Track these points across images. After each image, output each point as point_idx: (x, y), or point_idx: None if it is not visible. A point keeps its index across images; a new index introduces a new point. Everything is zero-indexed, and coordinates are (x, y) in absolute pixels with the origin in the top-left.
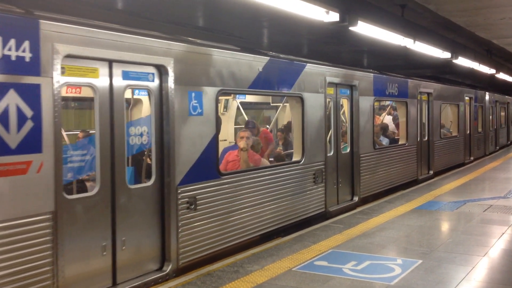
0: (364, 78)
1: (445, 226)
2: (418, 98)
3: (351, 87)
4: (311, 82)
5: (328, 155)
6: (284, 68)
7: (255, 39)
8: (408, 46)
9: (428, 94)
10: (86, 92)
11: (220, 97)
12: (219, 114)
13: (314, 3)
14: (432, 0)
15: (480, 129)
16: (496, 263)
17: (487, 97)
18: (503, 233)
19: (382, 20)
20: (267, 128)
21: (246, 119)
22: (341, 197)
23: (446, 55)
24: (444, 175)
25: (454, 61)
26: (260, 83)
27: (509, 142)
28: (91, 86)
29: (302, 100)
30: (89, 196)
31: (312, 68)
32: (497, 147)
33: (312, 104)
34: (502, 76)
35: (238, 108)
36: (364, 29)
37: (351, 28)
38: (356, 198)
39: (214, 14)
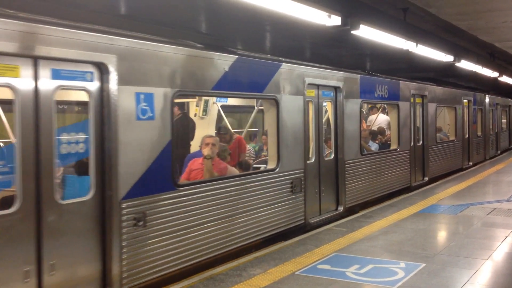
0: (350, 79)
1: (448, 230)
2: (412, 100)
3: (335, 89)
4: (288, 83)
5: (308, 162)
6: (255, 68)
7: (258, 43)
8: (410, 50)
9: (422, 96)
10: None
11: (188, 100)
12: (198, 117)
13: (316, 7)
14: (433, 4)
15: (479, 133)
16: (500, 266)
17: (487, 100)
18: (507, 236)
19: (384, 23)
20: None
21: (227, 124)
22: (324, 207)
23: (449, 58)
24: (440, 182)
25: (457, 64)
26: (226, 84)
27: (511, 146)
28: (9, 87)
29: (276, 102)
30: (7, 214)
31: (288, 68)
32: (498, 151)
33: (288, 107)
34: (505, 79)
35: (219, 111)
36: (366, 32)
37: (353, 32)
38: (341, 208)
39: (216, 19)
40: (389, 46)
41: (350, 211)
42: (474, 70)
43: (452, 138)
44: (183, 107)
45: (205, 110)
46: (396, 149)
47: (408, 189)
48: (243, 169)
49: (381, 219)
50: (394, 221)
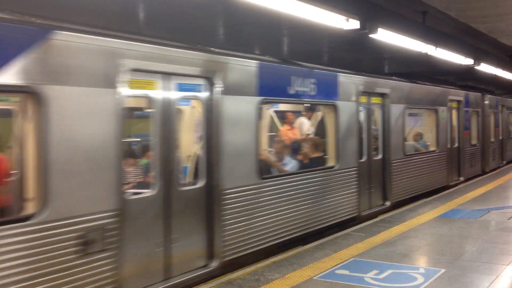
0: (237, 67)
1: (468, 235)
2: (365, 100)
3: (208, 80)
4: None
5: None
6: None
7: (276, 47)
8: (429, 53)
9: (383, 95)
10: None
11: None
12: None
13: (335, 11)
14: (453, 7)
15: (474, 141)
16: None
17: (486, 101)
18: None
19: (402, 27)
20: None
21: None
22: None
23: (469, 61)
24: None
25: (477, 67)
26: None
27: None
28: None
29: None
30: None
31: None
32: (504, 161)
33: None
34: None
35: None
36: (385, 36)
37: (371, 36)
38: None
39: (235, 24)
40: (408, 49)
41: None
42: (494, 73)
43: (432, 148)
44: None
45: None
46: (333, 167)
47: (354, 220)
48: None
49: (400, 224)
50: (414, 226)
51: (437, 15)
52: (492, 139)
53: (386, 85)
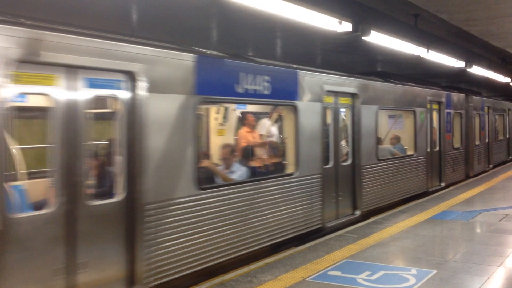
0: (168, 61)
1: (459, 236)
2: (330, 100)
3: (129, 76)
4: None
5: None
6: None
7: (269, 49)
8: (421, 55)
9: (352, 95)
10: None
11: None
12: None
13: (328, 13)
14: (445, 10)
15: (457, 145)
16: None
17: (471, 102)
18: None
19: (395, 29)
20: None
21: None
22: None
23: (460, 64)
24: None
25: (469, 70)
26: None
27: (510, 158)
28: None
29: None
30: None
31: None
32: (490, 165)
33: None
34: None
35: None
36: (377, 38)
37: (364, 38)
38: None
39: (228, 26)
40: (400, 52)
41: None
42: (486, 75)
43: (410, 152)
44: None
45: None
46: (292, 174)
47: (318, 232)
48: None
49: (392, 226)
50: (406, 228)
51: (429, 18)
52: (477, 142)
53: (355, 84)
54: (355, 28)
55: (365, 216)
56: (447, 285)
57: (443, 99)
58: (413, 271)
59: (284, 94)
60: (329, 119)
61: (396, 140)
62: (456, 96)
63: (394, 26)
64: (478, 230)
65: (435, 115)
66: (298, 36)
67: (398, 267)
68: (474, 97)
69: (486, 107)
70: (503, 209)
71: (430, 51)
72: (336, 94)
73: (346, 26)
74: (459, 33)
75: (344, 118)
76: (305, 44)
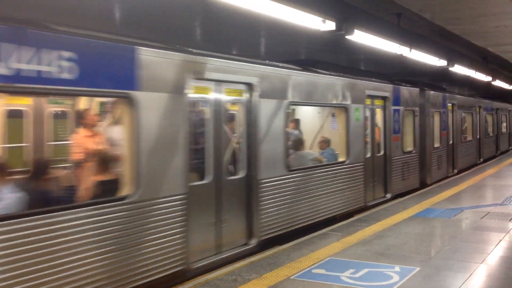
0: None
1: (442, 233)
2: (208, 93)
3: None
4: None
5: None
6: None
7: (253, 47)
8: (404, 54)
9: (249, 85)
10: None
11: None
12: None
13: (311, 12)
14: (427, 9)
15: (409, 148)
16: (493, 270)
17: (427, 98)
18: (501, 240)
19: (378, 28)
20: None
21: None
22: None
23: (442, 62)
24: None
25: (451, 68)
26: None
27: (481, 160)
28: None
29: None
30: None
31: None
32: (455, 170)
33: None
34: (498, 83)
35: None
36: (361, 37)
37: (347, 37)
38: None
39: (213, 24)
40: (384, 51)
41: None
42: (467, 74)
43: (342, 158)
44: None
45: None
46: (123, 198)
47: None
48: None
49: (376, 223)
50: (389, 225)
51: (412, 17)
52: (437, 145)
53: (249, 71)
54: (338, 27)
55: (265, 245)
56: (430, 282)
57: (388, 94)
58: (397, 268)
59: (107, 80)
60: (208, 119)
61: (326, 143)
62: (408, 91)
63: (377, 25)
64: (460, 228)
65: (379, 112)
66: (282, 35)
67: (381, 264)
68: (431, 92)
69: (450, 104)
70: (485, 207)
71: (412, 50)
72: (217, 84)
73: (329, 25)
74: (442, 32)
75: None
76: (289, 43)
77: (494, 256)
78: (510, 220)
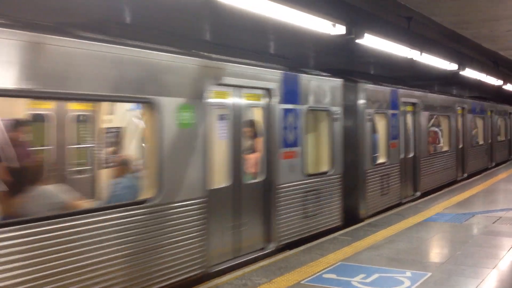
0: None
1: (453, 238)
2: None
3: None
4: None
5: None
6: None
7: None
8: (414, 58)
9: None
10: None
11: None
12: None
13: (321, 16)
14: (437, 12)
15: (325, 168)
16: (505, 275)
17: (362, 94)
18: None
19: (388, 32)
20: None
21: None
22: None
23: (453, 66)
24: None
25: (461, 72)
26: None
27: (465, 176)
28: None
29: None
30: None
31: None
32: (417, 193)
33: None
34: (509, 87)
35: None
36: (371, 41)
37: (357, 41)
38: None
39: (221, 27)
40: (394, 55)
41: None
42: (478, 78)
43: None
44: None
45: None
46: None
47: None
48: None
49: (386, 228)
50: (400, 230)
51: (422, 21)
52: (382, 160)
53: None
54: (348, 31)
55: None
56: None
57: (273, 85)
58: (408, 273)
59: None
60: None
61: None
62: (317, 82)
63: (387, 29)
64: (471, 233)
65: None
66: (291, 38)
67: (392, 269)
68: (368, 85)
69: (413, 104)
70: (496, 212)
71: (423, 53)
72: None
73: (340, 29)
74: (452, 35)
75: None
76: (298, 46)
77: (506, 261)
78: None
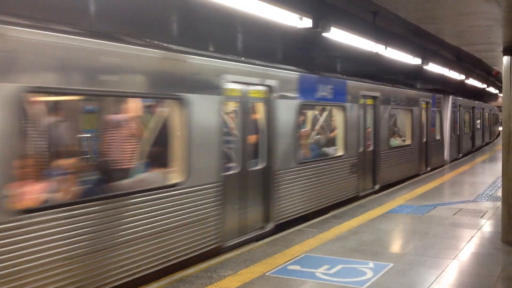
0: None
1: (415, 230)
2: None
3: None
4: None
5: None
6: None
7: (230, 44)
8: (380, 52)
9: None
10: None
11: None
12: None
13: (288, 9)
14: (402, 8)
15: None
16: (465, 266)
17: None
18: (472, 236)
19: (354, 26)
20: None
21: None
22: None
23: (417, 61)
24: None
25: (425, 67)
26: None
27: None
28: None
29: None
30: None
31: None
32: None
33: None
34: (471, 82)
35: None
36: (337, 35)
37: (324, 34)
38: None
39: (188, 19)
40: (360, 49)
41: None
42: (441, 73)
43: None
44: None
45: None
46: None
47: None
48: None
49: (351, 219)
50: (364, 221)
51: (387, 15)
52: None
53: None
54: (315, 24)
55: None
56: (403, 278)
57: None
58: (371, 264)
59: None
60: None
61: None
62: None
63: (354, 23)
64: (433, 224)
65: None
66: (259, 31)
67: (356, 260)
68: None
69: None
70: (457, 204)
71: (388, 48)
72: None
73: (306, 22)
74: (417, 31)
75: None
76: (266, 39)
77: (466, 252)
78: (481, 217)
